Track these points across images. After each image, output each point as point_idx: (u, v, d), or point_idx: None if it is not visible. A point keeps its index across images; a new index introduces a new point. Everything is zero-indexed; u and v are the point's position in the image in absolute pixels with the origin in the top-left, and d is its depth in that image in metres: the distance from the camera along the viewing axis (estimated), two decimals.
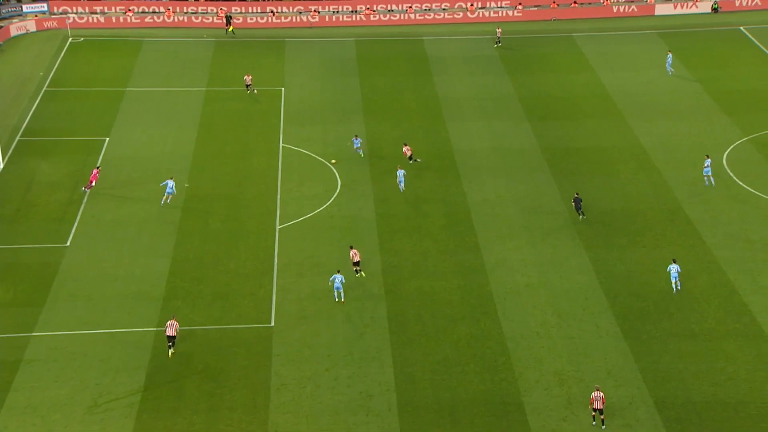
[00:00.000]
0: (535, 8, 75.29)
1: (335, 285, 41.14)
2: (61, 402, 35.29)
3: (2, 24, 71.85)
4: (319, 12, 74.76)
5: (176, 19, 73.68)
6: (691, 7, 75.40)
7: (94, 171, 49.76)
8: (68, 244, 45.02)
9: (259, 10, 74.73)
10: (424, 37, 71.85)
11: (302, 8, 74.78)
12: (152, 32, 71.96)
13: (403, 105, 60.95)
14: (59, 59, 66.80)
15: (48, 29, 71.83)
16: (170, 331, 37.94)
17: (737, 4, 75.84)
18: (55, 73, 64.52)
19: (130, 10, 73.44)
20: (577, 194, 47.94)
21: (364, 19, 74.94)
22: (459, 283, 42.73)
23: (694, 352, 38.29)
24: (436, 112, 59.83)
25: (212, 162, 53.02)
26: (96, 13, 73.23)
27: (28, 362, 36.97)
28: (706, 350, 38.38)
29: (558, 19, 74.81)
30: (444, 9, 75.19)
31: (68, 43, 69.46)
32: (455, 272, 43.46)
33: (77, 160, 52.78)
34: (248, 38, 71.77)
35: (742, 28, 71.68)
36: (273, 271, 43.51)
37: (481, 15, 75.08)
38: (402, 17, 75.12)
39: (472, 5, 75.04)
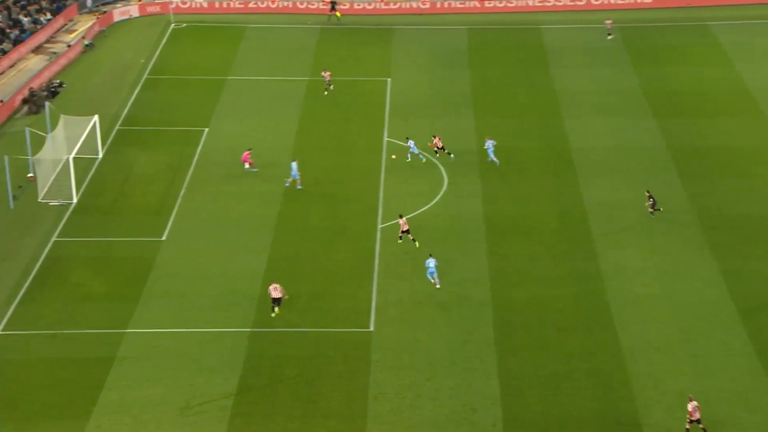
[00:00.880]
0: None
1: (429, 270, 41.37)
2: (154, 402, 36.35)
3: (106, 9, 74.60)
4: None
5: (280, 5, 74.90)
6: None
7: (246, 153, 50.87)
8: (164, 238, 46.35)
9: None
10: (542, 26, 70.92)
11: None
12: (255, 18, 73.39)
13: (516, 99, 60.38)
14: (161, 46, 68.87)
15: (151, 14, 74.13)
16: (276, 294, 39.95)
17: None
18: (156, 60, 66.57)
19: None
20: (648, 192, 46.72)
21: (477, 5, 74.48)
22: (572, 291, 42.06)
23: None
24: (552, 107, 58.97)
25: (313, 156, 53.67)
26: None
27: (122, 360, 38.24)
28: None
29: (693, 6, 72.52)
30: None
31: (170, 29, 71.52)
32: (568, 279, 42.82)
33: (175, 152, 54.27)
34: (354, 25, 72.35)
35: None
36: (373, 272, 43.73)
37: (606, 1, 73.50)
38: (519, 4, 74.30)
39: None
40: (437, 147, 52.64)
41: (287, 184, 49.72)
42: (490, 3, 74.46)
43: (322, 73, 60.74)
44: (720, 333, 39.19)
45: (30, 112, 59.07)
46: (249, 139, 55.28)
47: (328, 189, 50.68)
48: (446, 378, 37.44)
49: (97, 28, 70.83)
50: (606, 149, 53.60)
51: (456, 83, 62.54)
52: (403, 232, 43.88)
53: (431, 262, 41.98)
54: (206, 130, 56.97)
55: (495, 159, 52.04)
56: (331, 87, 60.60)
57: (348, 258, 44.81)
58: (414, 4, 74.70)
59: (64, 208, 48.64)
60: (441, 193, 50.02)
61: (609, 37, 67.71)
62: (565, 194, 49.32)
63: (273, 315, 40.30)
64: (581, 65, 64.08)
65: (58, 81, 62.67)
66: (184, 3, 74.59)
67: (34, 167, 49.85)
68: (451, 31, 70.91)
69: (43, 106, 56.71)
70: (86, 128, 52.00)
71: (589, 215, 47.37)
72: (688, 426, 33.97)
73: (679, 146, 53.19)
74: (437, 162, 52.98)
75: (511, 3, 74.34)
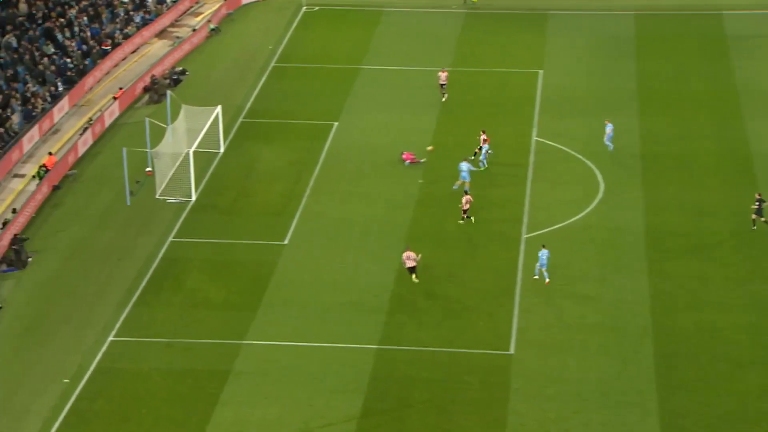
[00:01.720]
0: None
1: (540, 262, 42.40)
2: (270, 422, 36.81)
3: None
4: None
5: None
6: None
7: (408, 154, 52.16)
8: (286, 242, 47.02)
9: None
10: (723, 12, 68.69)
11: None
12: (393, 1, 73.77)
13: (689, 96, 58.87)
14: (291, 31, 70.08)
15: None
16: (410, 263, 42.71)
17: None
18: (285, 46, 67.77)
19: None
20: (759, 195, 44.82)
21: None
22: (750, 320, 40.53)
23: None
24: (732, 105, 57.15)
25: (452, 156, 53.41)
26: None
27: (238, 374, 38.94)
28: None
29: None
30: None
31: (302, 12, 72.75)
32: (746, 305, 41.32)
33: (301, 147, 55.02)
34: (504, 10, 71.87)
35: None
36: (515, 288, 43.25)
37: None
38: None
39: None
40: (480, 147, 51.62)
41: (455, 188, 49.72)
42: None
43: (439, 72, 58.69)
44: None
45: (151, 101, 61.09)
46: (382, 135, 55.52)
47: (469, 192, 50.37)
48: (597, 412, 36.59)
49: (224, 11, 72.68)
50: None
51: (619, 77, 61.34)
52: (464, 212, 45.41)
53: (544, 254, 42.43)
54: (336, 124, 57.57)
55: (610, 144, 51.83)
56: (445, 96, 58.32)
57: (488, 271, 44.42)
58: None
59: (182, 206, 50.04)
60: (596, 201, 49.09)
61: None
62: (744, 207, 47.49)
63: (416, 280, 43.10)
64: None
65: (180, 68, 64.61)
66: None
67: (152, 161, 51.48)
68: (616, 17, 69.48)
69: (165, 95, 58.56)
70: (208, 120, 53.32)
71: None
72: None
73: None
74: (592, 165, 51.95)
75: None
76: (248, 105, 60.24)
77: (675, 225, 47.03)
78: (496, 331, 40.86)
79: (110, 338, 40.92)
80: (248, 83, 62.78)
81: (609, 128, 52.38)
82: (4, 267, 45.56)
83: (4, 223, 47.64)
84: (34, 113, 55.62)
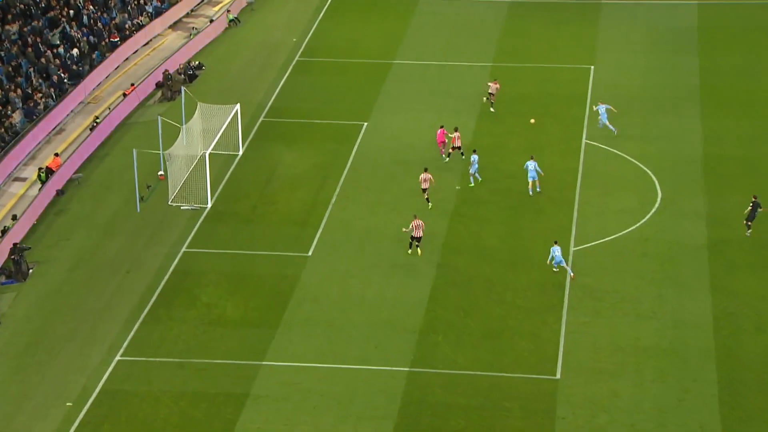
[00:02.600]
0: None
1: (556, 259, 44.15)
2: None
3: None
4: None
5: None
6: None
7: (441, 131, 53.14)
8: (310, 253, 47.26)
9: None
10: None
11: None
12: None
13: (757, 94, 58.83)
14: (317, 21, 70.46)
15: None
16: (418, 233, 45.09)
17: None
18: (310, 38, 68.16)
19: None
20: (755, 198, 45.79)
21: None
22: None
23: None
24: None
25: (493, 159, 53.51)
26: None
27: (256, 397, 39.15)
28: None
29: None
30: None
31: (329, 2, 73.07)
32: None
33: (327, 150, 55.29)
34: None
35: None
36: (562, 306, 43.22)
37: None
38: None
39: None
40: (454, 146, 52.43)
41: (531, 193, 50.13)
42: None
43: (489, 83, 58.39)
44: None
45: (164, 99, 61.69)
46: (416, 137, 55.65)
47: (511, 201, 50.43)
48: None
49: (244, 0, 73.23)
50: None
51: (680, 73, 61.29)
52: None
53: (556, 250, 44.10)
54: (365, 124, 57.79)
55: (610, 125, 53.83)
56: (492, 109, 57.89)
57: (532, 287, 44.41)
58: None
59: (196, 213, 50.42)
60: (653, 210, 48.97)
61: None
62: None
63: (409, 252, 45.77)
64: None
65: (196, 62, 65.18)
66: None
67: (165, 164, 51.95)
68: (676, 7, 69.33)
69: (179, 91, 59.10)
70: (226, 119, 53.77)
71: None
72: None
73: None
74: (649, 170, 51.80)
75: None
76: (269, 103, 60.60)
77: (740, 237, 46.80)
78: (541, 354, 40.79)
79: (117, 357, 41.23)
80: (270, 79, 63.16)
81: (602, 109, 54.00)
82: (3, 279, 46.17)
83: (4, 231, 48.28)
84: (36, 111, 56.33)
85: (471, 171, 51.19)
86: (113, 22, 65.58)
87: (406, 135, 56.09)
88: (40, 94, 57.24)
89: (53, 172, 52.27)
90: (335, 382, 39.73)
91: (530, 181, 50.33)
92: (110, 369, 40.56)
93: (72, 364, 40.84)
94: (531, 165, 50.21)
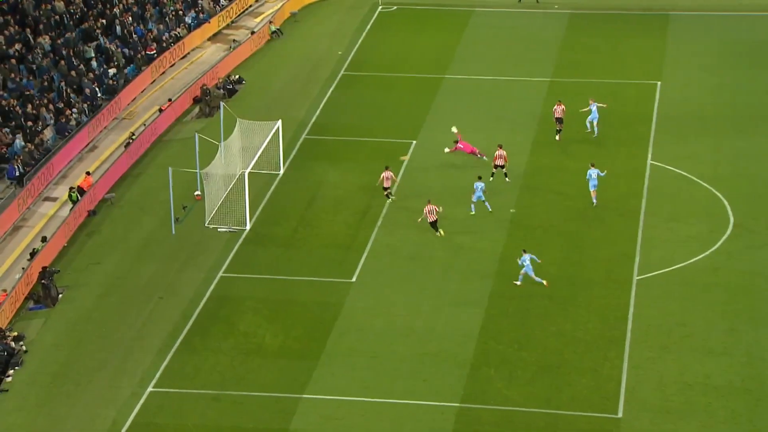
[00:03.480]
0: None
1: (526, 267, 45.14)
2: None
3: None
4: None
5: None
6: None
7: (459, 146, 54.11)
8: (354, 279, 47.25)
9: None
10: None
11: None
12: (485, 0, 74.00)
13: None
14: (364, 33, 70.79)
15: None
16: (432, 217, 47.85)
17: None
18: (357, 51, 68.47)
19: None
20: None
21: None
22: None
23: None
24: None
25: (549, 180, 53.27)
26: None
27: None
28: None
29: None
30: None
31: (377, 13, 73.42)
32: None
33: (373, 170, 55.15)
34: (616, 10, 71.60)
35: None
36: (625, 339, 42.87)
37: None
38: None
39: None
40: (496, 164, 52.49)
41: (595, 202, 50.63)
42: None
43: (555, 106, 57.03)
44: None
45: (202, 115, 62.16)
46: (468, 156, 55.44)
47: (570, 226, 50.21)
48: None
49: (287, 11, 73.68)
50: None
51: (754, 90, 61.06)
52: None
53: (525, 259, 45.36)
54: (414, 142, 57.84)
55: (596, 126, 55.84)
56: (559, 137, 56.79)
57: (592, 319, 44.10)
58: None
59: (234, 236, 50.63)
60: (724, 237, 48.56)
61: None
62: None
63: (438, 234, 48.54)
64: None
65: (236, 76, 65.62)
66: None
67: (202, 183, 52.24)
68: (752, 19, 68.94)
69: (218, 107, 59.49)
70: (267, 136, 54.02)
71: None
72: None
73: None
74: (720, 194, 51.29)
75: None
76: (313, 119, 60.85)
77: None
78: (602, 390, 40.45)
79: (149, 389, 41.38)
80: (313, 94, 63.45)
81: (594, 107, 55.18)
82: (31, 304, 46.53)
83: (32, 254, 48.71)
84: (68, 127, 56.89)
85: (474, 198, 50.52)
86: (150, 33, 66.19)
87: (457, 154, 55.97)
88: (73, 110, 57.83)
89: (85, 191, 52.72)
90: (380, 418, 39.60)
91: (591, 190, 50.40)
92: (142, 401, 40.70)
93: (101, 396, 41.02)
94: (593, 173, 50.38)
